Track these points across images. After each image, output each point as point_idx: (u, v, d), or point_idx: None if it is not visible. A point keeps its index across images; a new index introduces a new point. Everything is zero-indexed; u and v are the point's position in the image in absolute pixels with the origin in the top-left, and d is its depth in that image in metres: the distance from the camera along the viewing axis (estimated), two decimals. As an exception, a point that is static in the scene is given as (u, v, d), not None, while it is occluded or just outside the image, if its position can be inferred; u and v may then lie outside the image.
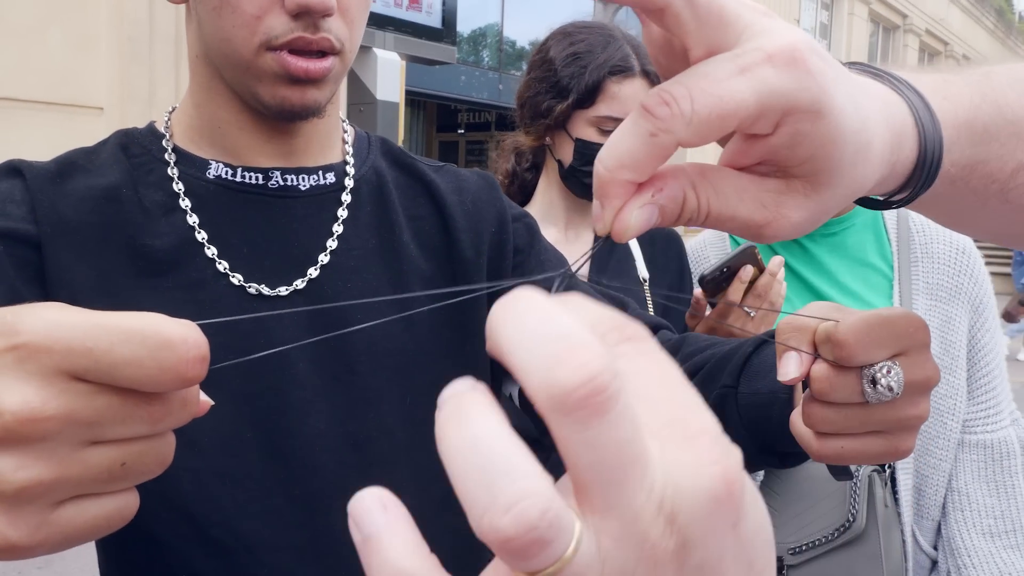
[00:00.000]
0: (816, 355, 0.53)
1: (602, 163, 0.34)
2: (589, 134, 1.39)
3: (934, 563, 1.34)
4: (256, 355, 0.49)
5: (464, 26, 10.61)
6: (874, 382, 0.50)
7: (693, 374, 0.76)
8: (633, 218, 0.34)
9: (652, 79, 1.39)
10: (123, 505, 0.39)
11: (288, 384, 0.76)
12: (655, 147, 0.33)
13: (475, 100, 10.38)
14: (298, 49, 0.73)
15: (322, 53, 0.74)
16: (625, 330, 0.26)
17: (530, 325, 0.24)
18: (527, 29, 12.14)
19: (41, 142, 4.85)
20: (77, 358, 0.34)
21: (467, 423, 0.24)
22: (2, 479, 0.34)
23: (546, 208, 1.49)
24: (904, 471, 1.31)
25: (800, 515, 1.29)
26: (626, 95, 1.37)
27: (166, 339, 0.35)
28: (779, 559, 1.28)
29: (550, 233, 1.39)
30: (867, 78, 0.42)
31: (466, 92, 9.96)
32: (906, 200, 0.44)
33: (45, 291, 0.72)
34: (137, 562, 0.74)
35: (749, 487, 0.25)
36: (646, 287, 1.45)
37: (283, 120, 0.78)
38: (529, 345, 0.24)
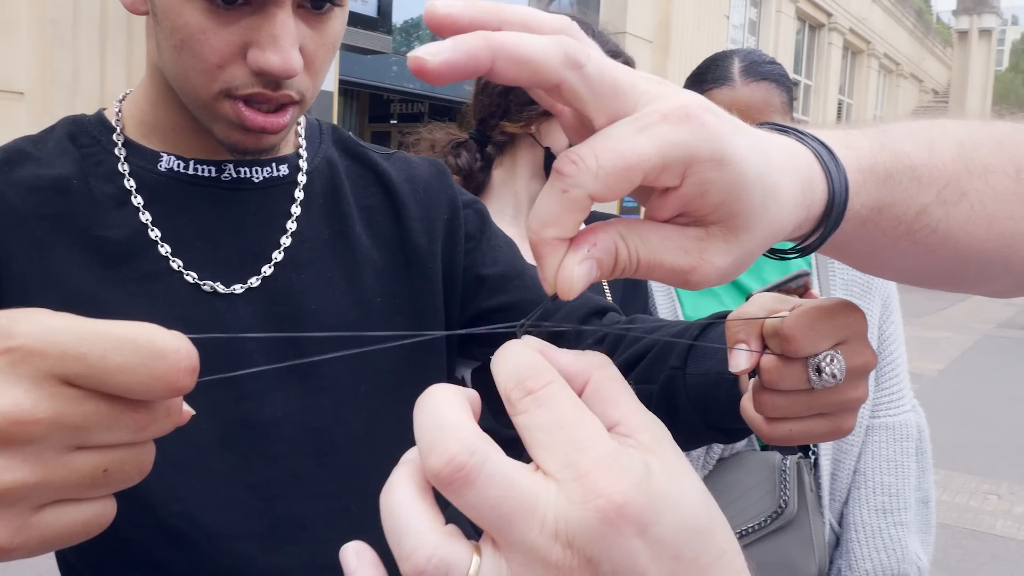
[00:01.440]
0: (764, 348, 0.56)
1: (530, 228, 0.38)
2: None
3: (839, 539, 1.42)
4: (245, 371, 0.50)
5: (398, 15, 10.52)
6: (819, 371, 0.54)
7: (643, 355, 0.79)
8: (576, 273, 0.38)
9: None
10: (101, 512, 0.40)
11: (244, 376, 0.76)
12: (570, 202, 0.36)
13: (408, 90, 10.30)
14: (257, 101, 0.73)
15: (282, 105, 0.74)
16: (526, 383, 0.34)
17: (420, 419, 0.33)
18: (461, 20, 12.06)
19: (-42, 127, 4.67)
20: (70, 363, 0.35)
21: (389, 493, 0.34)
22: None
23: (511, 203, 1.46)
24: (825, 456, 1.40)
25: (735, 501, 1.35)
26: None
27: (160, 349, 0.36)
28: None
29: (511, 232, 1.35)
30: (772, 133, 0.46)
31: (399, 82, 9.88)
32: (817, 242, 0.47)
33: None
34: (99, 553, 0.74)
35: (659, 496, 0.31)
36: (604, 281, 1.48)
37: (235, 155, 0.78)
38: (419, 436, 0.33)
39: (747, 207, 0.39)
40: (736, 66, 1.46)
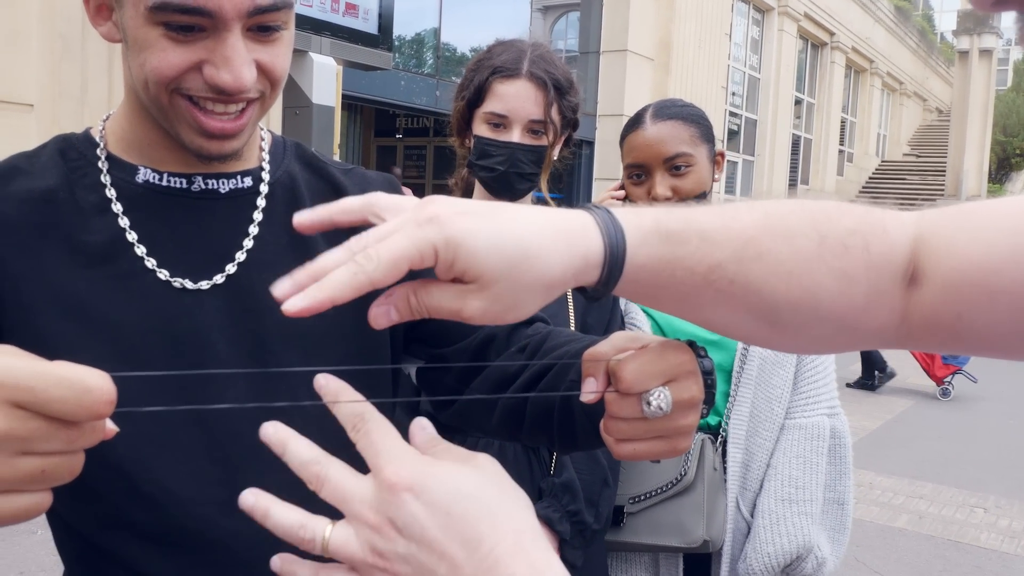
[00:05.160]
0: (609, 382, 0.66)
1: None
2: (483, 130, 1.56)
3: (751, 528, 1.54)
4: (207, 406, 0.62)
5: (404, 30, 10.66)
6: (648, 403, 0.64)
7: (551, 366, 0.89)
8: (374, 312, 0.59)
9: (537, 81, 1.53)
10: (39, 500, 0.54)
11: (210, 362, 0.86)
12: (357, 279, 0.55)
13: (414, 106, 10.45)
14: (213, 104, 0.83)
15: (241, 110, 0.85)
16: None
17: None
18: (465, 35, 12.28)
19: (-31, 138, 4.80)
20: (22, 393, 0.49)
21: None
22: None
23: None
24: (735, 446, 1.52)
25: (642, 472, 1.47)
26: (508, 94, 1.53)
27: (88, 386, 0.50)
28: (620, 508, 1.46)
29: None
30: (561, 209, 0.60)
31: (405, 98, 10.02)
32: (606, 280, 0.58)
33: None
34: (81, 512, 0.86)
35: (425, 475, 0.52)
36: (569, 296, 1.58)
37: (201, 160, 0.89)
38: None
39: (484, 270, 0.55)
40: (648, 112, 1.67)
